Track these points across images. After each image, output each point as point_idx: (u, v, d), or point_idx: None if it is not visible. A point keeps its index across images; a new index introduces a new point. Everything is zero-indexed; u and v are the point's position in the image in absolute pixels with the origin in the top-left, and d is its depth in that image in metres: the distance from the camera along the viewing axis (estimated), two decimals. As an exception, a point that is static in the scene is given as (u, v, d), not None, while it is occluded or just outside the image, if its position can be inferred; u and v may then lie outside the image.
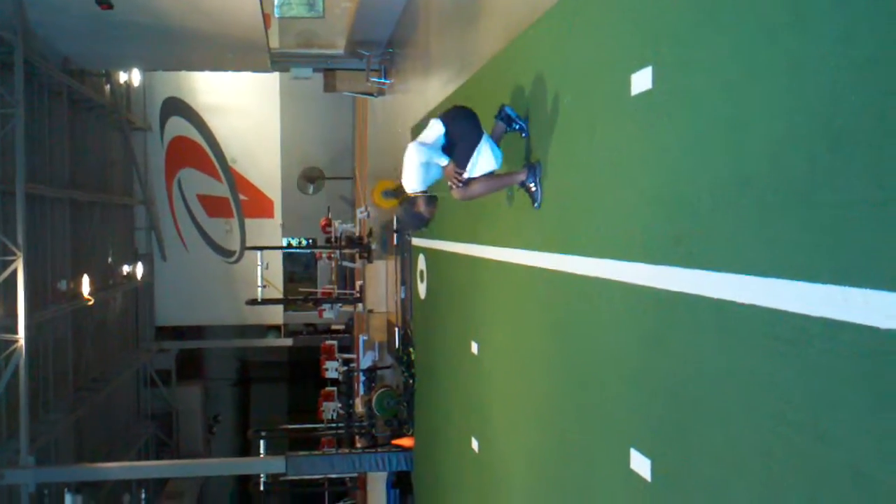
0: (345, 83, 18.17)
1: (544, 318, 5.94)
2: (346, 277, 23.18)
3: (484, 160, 5.98)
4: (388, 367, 15.52)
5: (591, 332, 4.95)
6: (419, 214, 6.28)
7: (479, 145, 5.97)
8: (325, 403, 22.29)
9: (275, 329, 27.78)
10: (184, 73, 24.59)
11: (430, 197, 6.25)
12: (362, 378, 16.16)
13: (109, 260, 21.80)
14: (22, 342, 14.38)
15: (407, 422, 13.29)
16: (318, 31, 17.67)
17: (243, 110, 25.85)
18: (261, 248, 21.00)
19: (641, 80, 4.11)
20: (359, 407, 16.40)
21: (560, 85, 5.53)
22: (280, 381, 32.49)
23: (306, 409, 24.85)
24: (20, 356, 14.33)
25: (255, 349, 29.56)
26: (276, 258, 25.02)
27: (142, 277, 23.78)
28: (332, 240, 21.60)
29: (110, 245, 22.14)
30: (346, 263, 21.59)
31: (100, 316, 20.56)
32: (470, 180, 6.00)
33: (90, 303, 18.31)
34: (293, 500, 27.05)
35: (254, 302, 20.11)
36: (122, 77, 22.05)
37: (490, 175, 6.04)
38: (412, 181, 6.07)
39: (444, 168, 5.99)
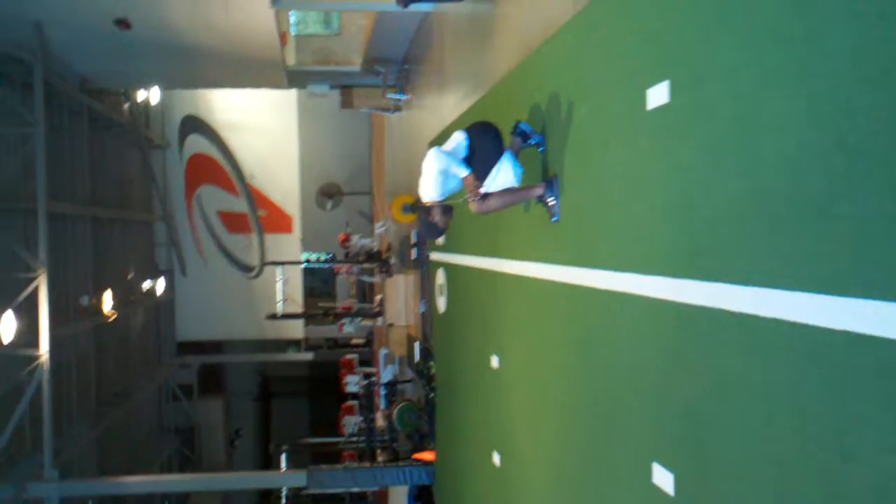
0: (362, 100, 18.28)
1: (564, 332, 5.94)
2: (365, 292, 23.23)
3: (503, 175, 6.01)
4: (408, 381, 15.53)
5: (611, 345, 4.95)
6: (434, 224, 6.31)
7: (501, 161, 6.01)
8: (345, 417, 22.28)
9: (295, 344, 27.84)
10: (201, 91, 24.74)
11: (447, 207, 6.27)
12: (383, 392, 16.18)
13: (130, 276, 21.94)
14: (45, 357, 14.50)
15: (428, 435, 13.28)
16: (335, 48, 17.78)
17: (261, 127, 26.00)
18: (280, 263, 21.09)
19: (658, 95, 4.12)
20: (380, 421, 16.42)
21: (575, 100, 5.55)
22: (301, 396, 32.54)
23: (327, 424, 24.85)
24: (43, 371, 14.44)
25: (275, 363, 29.64)
26: (296, 273, 25.09)
27: (162, 293, 23.91)
28: (351, 254, 21.66)
29: (131, 261, 22.29)
30: (364, 278, 21.64)
31: (122, 332, 20.69)
32: (488, 194, 6.03)
33: (112, 318, 18.44)
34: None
35: (273, 317, 20.19)
36: (141, 96, 22.25)
37: (508, 190, 6.07)
38: (430, 190, 6.11)
39: (463, 179, 6.02)
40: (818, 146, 2.86)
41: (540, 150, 6.28)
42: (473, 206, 6.06)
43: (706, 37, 3.65)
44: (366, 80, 17.97)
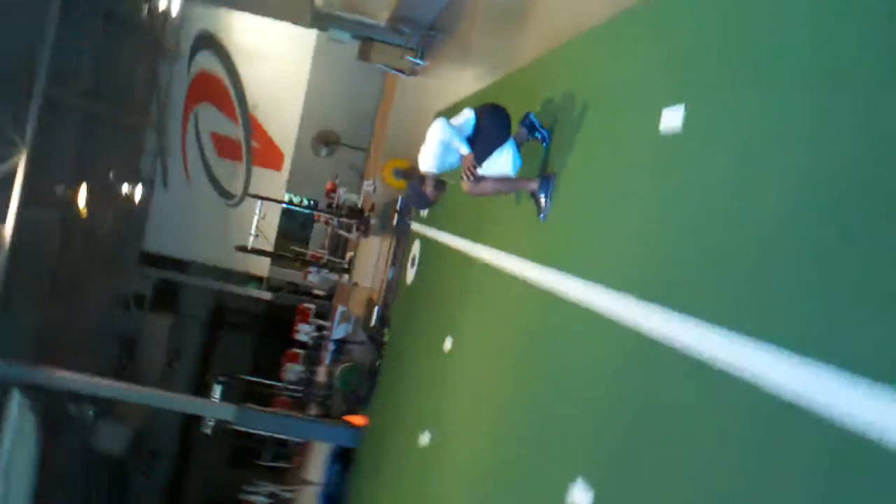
0: (380, 55, 18.07)
1: (523, 331, 5.91)
2: (338, 246, 23.10)
3: (502, 162, 5.99)
4: (359, 343, 15.48)
5: (564, 354, 4.92)
6: (424, 195, 6.25)
7: (503, 146, 5.96)
8: (288, 364, 22.23)
9: (257, 280, 27.72)
10: (223, 11, 24.44)
11: (440, 181, 6.22)
12: (332, 348, 16.13)
13: (111, 176, 21.69)
14: (7, 234, 14.33)
15: (364, 401, 13.25)
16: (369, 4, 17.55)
17: (274, 59, 25.70)
18: (262, 198, 20.91)
19: (672, 118, 4.07)
20: (321, 375, 16.37)
21: (590, 104, 5.50)
22: (250, 332, 32.40)
23: (269, 366, 24.76)
24: (2, 247, 14.28)
25: (233, 295, 29.43)
26: (275, 212, 24.89)
27: (139, 200, 23.69)
28: (334, 206, 21.53)
29: (115, 163, 22.03)
30: (341, 232, 21.51)
31: (89, 229, 20.46)
32: (482, 177, 5.98)
33: (83, 214, 18.24)
34: (232, 451, 27.04)
35: (243, 249, 20.05)
36: (163, 4, 21.94)
37: (503, 177, 6.03)
38: (429, 159, 6.02)
39: (462, 157, 5.96)
40: (815, 210, 2.81)
41: (544, 144, 6.24)
42: (465, 185, 6.01)
43: (730, 68, 3.60)
44: (388, 37, 17.78)
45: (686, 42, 4.20)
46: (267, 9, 19.75)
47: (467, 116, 6.08)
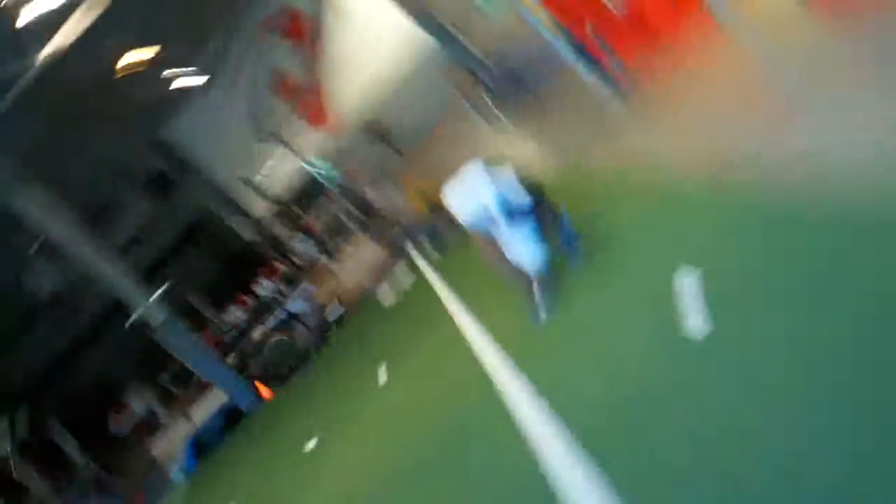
0: (459, 79, 18.05)
1: (455, 412, 5.91)
2: (338, 231, 23.09)
3: (526, 254, 5.90)
4: (306, 326, 15.44)
5: (479, 456, 4.96)
6: (441, 232, 6.14)
7: (536, 242, 5.91)
8: (232, 306, 22.15)
9: (245, 217, 27.73)
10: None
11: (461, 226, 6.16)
12: (280, 316, 16.07)
13: (167, 51, 21.39)
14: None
15: (280, 379, 13.23)
16: (479, 24, 17.47)
17: (367, 29, 25.51)
18: (287, 146, 20.74)
19: (695, 320, 4.08)
20: (256, 334, 16.27)
21: (628, 252, 5.54)
22: (216, 261, 32.28)
23: (217, 297, 24.60)
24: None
25: (218, 219, 29.36)
26: (292, 165, 24.74)
27: (189, 86, 23.47)
28: (352, 191, 21.65)
29: (178, 38, 21.66)
30: (345, 220, 21.58)
31: (129, 89, 20.31)
32: (497, 245, 5.93)
33: (133, 70, 18.17)
34: (141, 353, 26.67)
35: (247, 182, 20.01)
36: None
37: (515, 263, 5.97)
38: (463, 209, 5.93)
39: (492, 228, 5.91)
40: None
41: (566, 246, 6.19)
42: (480, 241, 5.99)
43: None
44: (474, 66, 17.70)
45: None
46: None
47: (516, 187, 5.92)
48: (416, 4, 17.49)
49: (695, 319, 4.06)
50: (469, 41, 17.55)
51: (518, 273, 6.00)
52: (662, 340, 4.17)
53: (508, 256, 5.94)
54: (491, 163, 6.06)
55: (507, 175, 5.98)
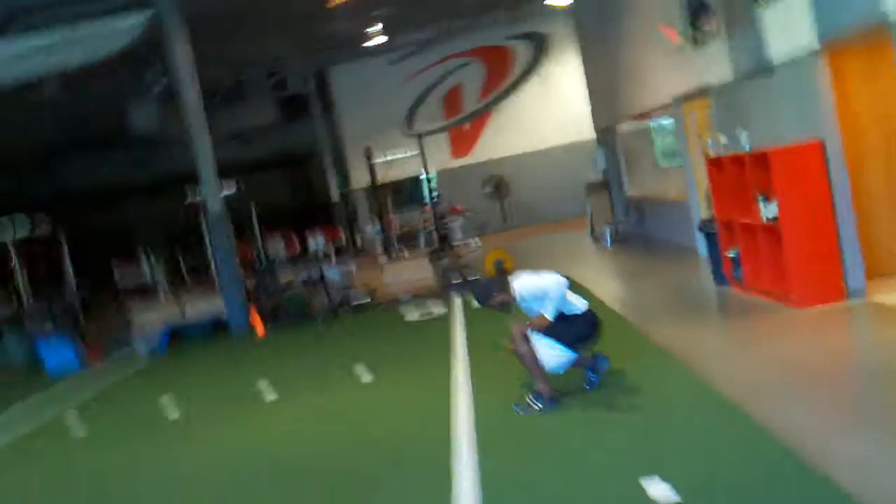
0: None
1: (403, 428, 5.93)
2: (408, 238, 23.40)
3: (551, 353, 6.06)
4: (328, 294, 15.55)
5: (399, 467, 4.92)
6: (491, 295, 6.32)
7: (566, 348, 6.07)
8: (279, 239, 22.52)
9: (345, 179, 28.42)
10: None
11: (509, 302, 6.28)
12: (313, 274, 16.21)
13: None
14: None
15: (277, 323, 13.31)
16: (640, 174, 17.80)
17: (560, 102, 26.13)
18: (422, 156, 21.16)
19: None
20: (284, 276, 16.41)
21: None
22: (294, 195, 33.03)
23: (270, 225, 24.99)
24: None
25: (318, 162, 30.01)
26: (412, 167, 25.14)
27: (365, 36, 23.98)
28: (444, 216, 22.25)
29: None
30: (422, 237, 22.11)
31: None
32: (530, 341, 6.05)
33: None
34: (175, 231, 27.10)
35: (367, 153, 20.41)
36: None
37: (539, 363, 6.06)
38: (524, 286, 6.14)
39: (540, 314, 6.04)
40: None
41: (586, 385, 6.28)
42: (515, 329, 6.12)
43: None
44: (617, 199, 17.99)
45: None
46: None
47: (576, 300, 6.21)
48: (607, 119, 17.68)
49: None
50: (626, 168, 17.71)
51: (532, 360, 6.04)
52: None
53: (534, 343, 5.99)
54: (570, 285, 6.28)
55: (578, 301, 6.27)
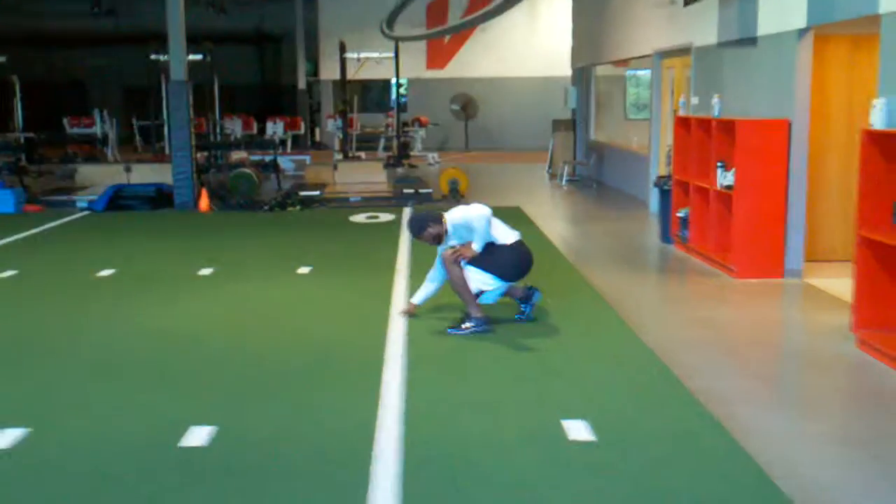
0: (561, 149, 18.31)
1: (337, 329, 6.00)
2: (367, 139, 23.32)
3: (481, 280, 6.15)
4: (277, 182, 15.47)
5: (327, 367, 5.00)
6: (424, 228, 6.29)
7: (495, 276, 6.16)
8: (236, 119, 22.28)
9: (313, 65, 28.05)
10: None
11: (438, 241, 6.31)
12: (268, 157, 16.10)
13: None
14: None
15: (224, 204, 13.21)
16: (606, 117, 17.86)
17: (540, 42, 25.96)
18: (395, 59, 20.85)
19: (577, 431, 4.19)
20: (235, 156, 16.28)
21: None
22: (262, 76, 32.53)
23: (230, 104, 24.60)
24: None
25: (290, 48, 29.43)
26: (385, 71, 24.87)
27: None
28: (407, 124, 22.19)
29: None
30: (384, 137, 22.22)
31: None
32: (462, 268, 6.13)
33: None
34: (134, 94, 26.54)
35: (341, 47, 20.08)
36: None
37: (466, 286, 6.14)
38: (454, 219, 6.19)
39: (467, 244, 6.13)
40: None
41: (518, 317, 6.41)
42: (447, 253, 6.18)
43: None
44: (581, 135, 17.98)
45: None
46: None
47: (502, 229, 6.29)
48: (586, 59, 17.56)
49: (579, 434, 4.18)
50: (595, 112, 17.71)
51: (462, 284, 6.16)
52: (542, 440, 4.23)
53: (466, 271, 6.14)
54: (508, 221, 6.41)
55: (509, 232, 6.32)
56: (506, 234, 6.28)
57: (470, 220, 6.10)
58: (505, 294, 6.40)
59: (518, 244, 6.30)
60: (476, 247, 6.08)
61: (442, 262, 6.25)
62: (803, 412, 4.84)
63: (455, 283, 6.17)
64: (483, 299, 6.20)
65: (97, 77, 31.65)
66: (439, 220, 6.26)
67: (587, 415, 4.44)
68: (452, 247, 6.22)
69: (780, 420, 4.63)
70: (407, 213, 11.82)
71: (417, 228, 6.37)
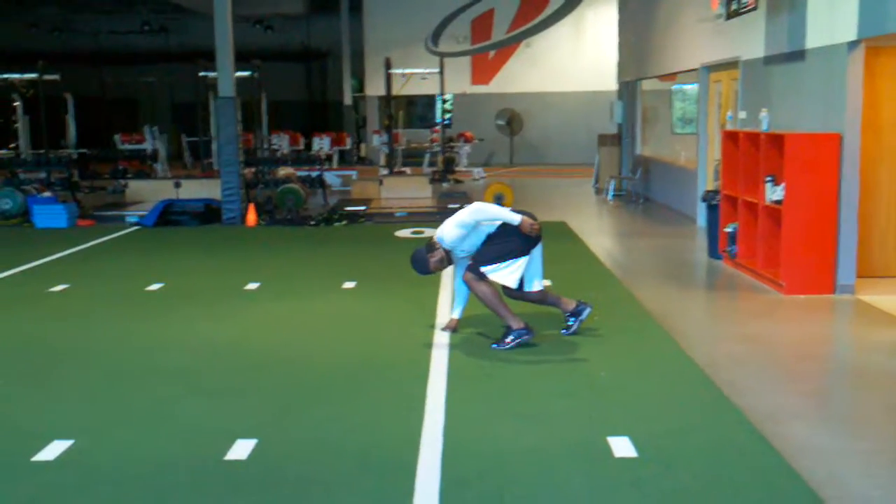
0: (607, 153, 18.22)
1: (382, 343, 6.00)
2: (412, 155, 23.42)
3: (509, 275, 6.04)
4: (324, 198, 15.57)
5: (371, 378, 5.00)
6: (426, 260, 6.23)
7: (519, 259, 6.03)
8: (284, 136, 22.53)
9: (359, 82, 28.30)
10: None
11: (447, 261, 6.26)
12: (314, 173, 16.21)
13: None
14: None
15: (270, 218, 13.32)
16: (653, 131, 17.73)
17: (588, 60, 26.02)
18: (440, 76, 20.89)
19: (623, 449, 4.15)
20: (280, 172, 16.42)
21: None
22: (309, 94, 32.80)
23: (279, 120, 24.83)
24: None
25: (336, 67, 29.68)
26: (429, 87, 24.97)
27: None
28: (452, 140, 22.20)
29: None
30: (429, 152, 22.24)
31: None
32: (485, 276, 6.04)
33: None
34: (183, 110, 26.89)
35: (386, 63, 20.18)
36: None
37: (498, 300, 6.09)
38: (449, 235, 6.09)
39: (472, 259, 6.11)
40: None
41: (564, 332, 6.36)
42: (468, 275, 6.11)
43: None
44: (628, 151, 17.89)
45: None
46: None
47: (512, 216, 6.04)
48: (632, 73, 17.47)
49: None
50: (641, 126, 17.58)
51: (493, 299, 6.09)
52: (586, 456, 4.19)
53: (490, 276, 6.08)
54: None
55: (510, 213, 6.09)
56: (508, 215, 6.04)
57: (463, 223, 6.00)
58: (554, 305, 6.38)
59: (523, 219, 6.07)
60: (474, 247, 6.09)
61: (466, 284, 6.18)
62: (854, 430, 4.72)
63: (486, 302, 6.09)
64: (513, 285, 6.09)
65: (147, 94, 32.20)
66: (432, 246, 6.19)
67: (632, 431, 4.39)
68: (467, 256, 6.18)
69: (829, 438, 4.54)
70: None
71: (422, 266, 6.26)
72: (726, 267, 9.34)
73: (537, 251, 6.21)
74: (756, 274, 8.57)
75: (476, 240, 6.11)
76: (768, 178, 8.28)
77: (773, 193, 8.20)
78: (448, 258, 6.23)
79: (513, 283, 6.07)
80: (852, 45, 7.54)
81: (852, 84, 7.66)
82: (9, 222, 13.39)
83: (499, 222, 6.04)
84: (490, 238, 6.08)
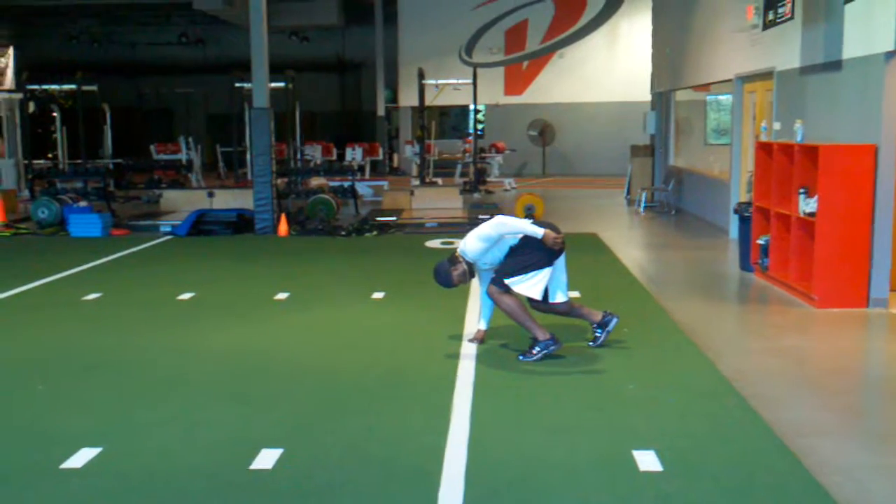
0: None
1: (410, 354, 6.01)
2: (444, 165, 23.43)
3: (532, 283, 6.02)
4: (356, 208, 15.64)
5: (398, 391, 5.00)
6: (452, 277, 6.24)
7: (542, 270, 6.02)
8: (317, 146, 22.66)
9: (392, 91, 28.46)
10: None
11: (470, 274, 6.26)
12: (346, 184, 16.29)
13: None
14: None
15: (302, 227, 13.40)
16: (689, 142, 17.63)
17: (621, 71, 25.95)
18: (473, 86, 20.91)
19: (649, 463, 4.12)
20: (312, 182, 16.52)
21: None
22: (343, 102, 32.92)
23: (312, 130, 25.03)
24: None
25: (369, 76, 29.84)
26: (462, 97, 25.05)
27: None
28: (484, 150, 22.13)
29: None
30: (460, 164, 22.17)
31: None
32: (509, 289, 6.05)
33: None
34: (218, 121, 27.18)
35: (420, 75, 20.26)
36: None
37: (524, 312, 6.10)
38: (471, 249, 6.11)
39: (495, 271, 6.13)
40: None
41: (591, 343, 6.35)
42: (492, 288, 6.11)
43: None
44: (660, 164, 17.81)
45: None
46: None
47: (535, 230, 6.02)
48: (666, 84, 17.39)
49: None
50: (675, 137, 17.49)
51: (519, 312, 6.11)
52: (611, 470, 4.16)
53: (514, 288, 6.08)
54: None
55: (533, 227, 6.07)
56: (531, 228, 6.02)
57: (486, 236, 6.01)
58: (581, 316, 6.39)
59: (546, 231, 6.06)
60: (498, 260, 6.13)
61: (490, 297, 6.19)
62: (884, 446, 4.65)
63: (511, 314, 6.09)
64: (538, 297, 6.08)
65: (183, 104, 32.57)
66: (455, 259, 6.20)
67: (659, 445, 4.36)
68: (490, 269, 6.20)
69: (859, 453, 4.46)
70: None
71: (444, 279, 6.26)
72: (758, 279, 9.24)
73: (561, 262, 6.19)
74: (788, 287, 8.48)
75: (499, 253, 6.11)
76: (802, 190, 8.19)
77: (807, 205, 8.10)
78: (471, 271, 6.24)
79: (537, 295, 6.06)
80: (889, 55, 7.45)
81: (890, 95, 7.56)
82: (45, 231, 13.58)
83: (521, 235, 6.04)
84: (513, 251, 6.08)
